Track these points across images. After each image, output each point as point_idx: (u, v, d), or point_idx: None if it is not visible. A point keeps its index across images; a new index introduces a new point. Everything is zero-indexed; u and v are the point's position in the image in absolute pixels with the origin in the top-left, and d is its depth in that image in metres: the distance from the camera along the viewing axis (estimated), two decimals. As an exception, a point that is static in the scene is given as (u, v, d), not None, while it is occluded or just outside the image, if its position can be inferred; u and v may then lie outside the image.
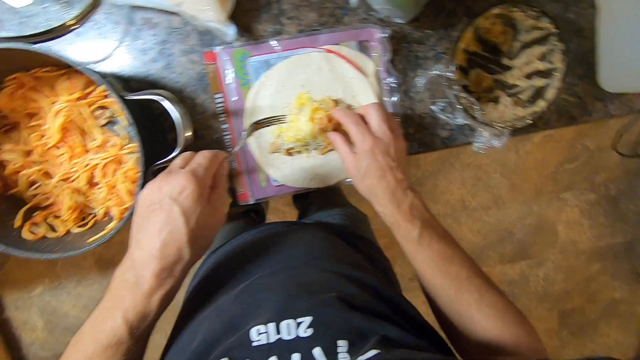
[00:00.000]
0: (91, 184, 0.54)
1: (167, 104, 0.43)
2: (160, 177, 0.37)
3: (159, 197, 0.36)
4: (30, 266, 1.55)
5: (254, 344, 0.32)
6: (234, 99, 0.55)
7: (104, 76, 0.45)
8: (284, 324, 0.33)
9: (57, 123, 0.49)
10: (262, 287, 0.41)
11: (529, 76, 0.54)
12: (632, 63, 0.53)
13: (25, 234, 0.49)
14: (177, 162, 0.40)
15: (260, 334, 0.33)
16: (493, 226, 1.67)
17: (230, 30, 0.50)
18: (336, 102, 0.55)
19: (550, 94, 0.51)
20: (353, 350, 0.31)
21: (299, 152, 0.56)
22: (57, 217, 0.53)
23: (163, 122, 0.55)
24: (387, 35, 0.52)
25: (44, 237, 0.49)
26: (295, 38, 0.54)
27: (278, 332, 0.33)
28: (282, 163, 0.57)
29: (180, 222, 0.35)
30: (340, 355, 0.30)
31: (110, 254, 1.56)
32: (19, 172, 0.50)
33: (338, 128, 0.53)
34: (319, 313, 0.34)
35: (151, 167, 0.45)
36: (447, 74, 0.48)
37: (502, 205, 1.67)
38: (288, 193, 0.59)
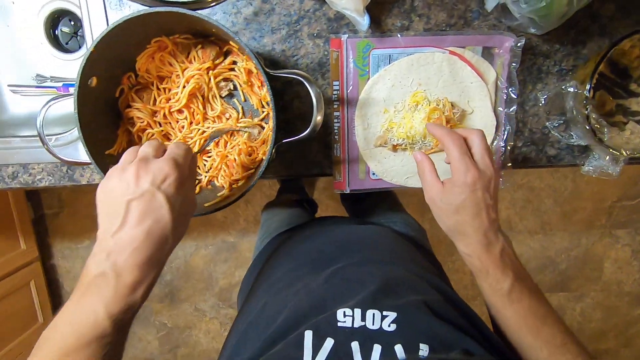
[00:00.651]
0: (202, 151, 0.56)
1: (307, 85, 0.44)
2: (134, 166, 0.35)
3: (137, 186, 0.34)
4: (82, 220, 1.62)
5: (339, 324, 0.33)
6: (349, 88, 0.55)
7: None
8: (369, 312, 0.34)
9: (187, 89, 0.51)
10: (352, 274, 0.42)
11: (657, 105, 0.52)
12: None
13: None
14: (147, 149, 0.37)
15: (346, 316, 0.34)
16: (537, 252, 1.63)
17: (365, 20, 0.50)
18: (452, 105, 0.54)
19: (684, 127, 0.49)
20: (433, 357, 0.31)
21: (405, 149, 0.56)
22: (168, 177, 0.55)
23: (276, 103, 0.56)
24: (521, 44, 0.51)
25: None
26: (421, 36, 0.54)
27: (363, 319, 0.33)
28: (384, 157, 0.58)
29: (165, 209, 0.34)
30: (420, 359, 0.30)
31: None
32: (145, 130, 0.53)
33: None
34: (405, 312, 0.35)
35: (279, 143, 0.46)
36: (584, 92, 0.47)
37: (550, 232, 1.62)
38: (384, 188, 0.59)
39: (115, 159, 0.50)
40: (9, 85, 0.74)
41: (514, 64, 0.53)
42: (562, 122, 0.55)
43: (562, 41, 0.54)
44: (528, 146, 0.58)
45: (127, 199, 0.33)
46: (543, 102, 0.54)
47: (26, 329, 1.46)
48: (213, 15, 0.54)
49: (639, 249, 1.62)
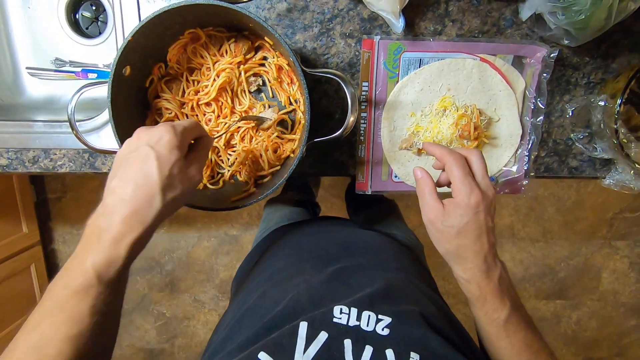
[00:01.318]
0: (227, 146, 0.55)
1: (342, 84, 0.44)
2: (137, 131, 0.37)
3: (137, 145, 0.36)
4: (84, 205, 1.61)
5: (335, 319, 0.34)
6: (378, 89, 0.55)
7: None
8: (365, 313, 0.34)
9: (218, 82, 0.51)
10: (353, 276, 0.42)
11: (682, 123, 0.53)
12: None
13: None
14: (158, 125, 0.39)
15: (342, 314, 0.34)
16: (537, 259, 1.64)
17: (400, 23, 0.50)
18: (480, 112, 0.55)
19: None
20: None
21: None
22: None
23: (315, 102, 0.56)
24: (555, 55, 0.51)
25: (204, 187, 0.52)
26: (453, 41, 0.54)
27: (358, 319, 0.34)
28: (407, 160, 0.58)
29: (154, 166, 0.34)
30: None
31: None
32: (172, 121, 0.53)
33: (479, 137, 0.54)
34: (400, 319, 0.35)
35: (310, 142, 0.46)
36: (615, 106, 0.47)
37: (551, 241, 1.63)
38: (405, 191, 0.59)
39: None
40: (27, 68, 0.73)
41: (545, 75, 0.53)
42: (586, 134, 0.55)
43: (592, 54, 0.54)
44: (551, 156, 0.58)
45: (124, 155, 0.36)
46: (570, 114, 0.54)
47: (25, 313, 1.45)
48: (246, 8, 0.53)
49: (636, 261, 1.64)
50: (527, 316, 0.40)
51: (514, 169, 0.57)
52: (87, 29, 0.75)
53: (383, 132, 0.57)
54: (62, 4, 0.72)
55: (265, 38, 0.50)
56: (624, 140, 0.49)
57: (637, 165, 0.50)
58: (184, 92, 0.53)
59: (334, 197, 1.60)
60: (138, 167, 0.35)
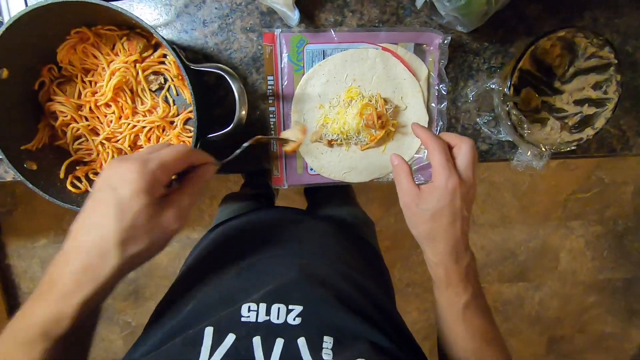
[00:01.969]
0: (134, 146, 0.54)
1: (228, 79, 0.43)
2: (114, 159, 0.33)
3: (101, 183, 0.31)
4: (37, 217, 1.56)
5: (243, 319, 0.33)
6: (284, 83, 0.55)
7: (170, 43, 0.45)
8: (275, 307, 0.34)
9: (112, 82, 0.50)
10: (266, 267, 0.42)
11: (578, 102, 0.55)
12: (684, 104, 0.53)
13: (69, 186, 0.49)
14: (144, 150, 0.35)
15: (251, 311, 0.33)
16: (497, 244, 1.68)
17: (295, 15, 0.50)
18: (385, 100, 0.55)
19: (600, 123, 0.51)
20: (338, 350, 0.31)
21: (340, 144, 0.57)
22: (96, 173, 0.54)
23: (210, 97, 0.55)
24: (447, 41, 0.52)
25: (86, 191, 0.50)
26: (355, 32, 0.54)
27: (268, 314, 0.33)
28: (321, 153, 0.58)
29: (111, 216, 0.29)
30: (324, 351, 0.31)
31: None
32: (69, 124, 0.51)
33: (385, 126, 0.54)
34: (312, 305, 0.35)
35: (203, 139, 0.46)
36: (504, 89, 0.48)
37: (509, 225, 1.67)
38: (322, 183, 0.60)
39: (33, 155, 0.48)
40: None
41: (442, 61, 0.54)
42: (491, 118, 0.57)
43: (490, 39, 0.56)
44: (461, 142, 0.59)
45: (93, 190, 0.31)
46: (471, 98, 0.55)
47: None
48: (141, 5, 0.52)
49: (592, 240, 1.70)
50: (486, 306, 0.41)
51: (425, 155, 0.58)
52: None
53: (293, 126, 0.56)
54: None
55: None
56: (517, 121, 0.50)
57: (532, 145, 0.51)
58: (80, 93, 0.51)
59: (295, 194, 1.60)
60: (96, 213, 0.30)
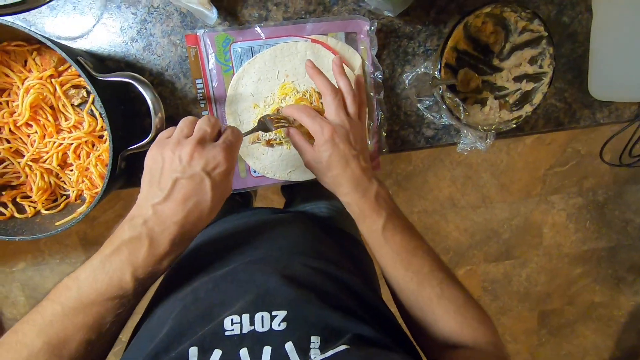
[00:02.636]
0: (64, 165, 0.52)
1: (138, 87, 0.41)
2: (190, 145, 0.36)
3: (190, 166, 0.35)
4: (13, 242, 1.53)
5: (227, 333, 0.32)
6: (214, 85, 0.53)
7: (77, 54, 0.43)
8: (258, 315, 0.33)
9: (27, 101, 0.47)
10: (242, 275, 0.40)
11: (517, 79, 0.53)
12: (622, 72, 0.52)
13: (-8, 214, 0.47)
14: (206, 128, 0.38)
15: (234, 324, 0.33)
16: (480, 225, 1.68)
17: (212, 14, 0.48)
18: (319, 93, 0.53)
19: (537, 98, 0.50)
20: (325, 347, 0.31)
21: (280, 143, 0.55)
22: (26, 197, 0.51)
23: (140, 106, 0.53)
24: (374, 28, 0.51)
25: (12, 217, 0.48)
26: (281, 25, 0.52)
27: (252, 324, 0.33)
28: (262, 154, 0.56)
29: (209, 196, 0.36)
30: (312, 352, 0.30)
31: (95, 234, 1.54)
32: (-13, 149, 0.49)
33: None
34: (295, 308, 0.34)
35: (123, 152, 0.44)
36: (434, 72, 0.47)
37: (490, 205, 1.67)
38: (268, 185, 0.58)
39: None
40: None
41: (373, 49, 0.52)
42: (432, 103, 0.55)
43: (423, 22, 0.54)
44: (405, 129, 0.58)
45: (176, 176, 0.35)
46: (407, 84, 0.53)
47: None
48: (52, 17, 0.50)
49: (573, 212, 1.71)
50: (404, 224, 0.44)
51: (369, 146, 0.56)
52: None
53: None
54: None
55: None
56: (453, 105, 0.49)
57: (472, 129, 0.50)
58: (-3, 115, 0.49)
59: (273, 193, 1.58)
60: (191, 193, 0.35)
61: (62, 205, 0.52)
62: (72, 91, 0.50)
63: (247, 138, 0.55)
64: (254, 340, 0.31)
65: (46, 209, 0.51)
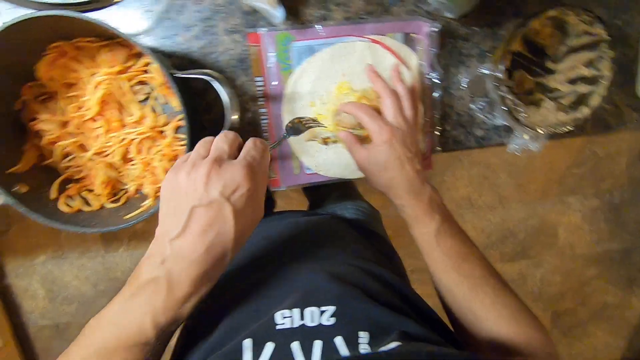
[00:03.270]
0: (125, 159, 0.53)
1: (216, 85, 0.42)
2: (206, 166, 0.32)
3: (206, 192, 0.31)
4: (34, 235, 1.54)
5: (278, 327, 0.33)
6: (274, 83, 0.54)
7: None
8: (307, 310, 0.34)
9: (96, 95, 0.48)
10: (290, 274, 0.42)
11: (571, 81, 0.54)
12: (676, 76, 0.53)
13: (62, 206, 0.48)
14: (223, 146, 0.34)
15: (285, 318, 0.33)
16: (497, 225, 1.69)
17: (279, 13, 0.48)
18: (377, 93, 0.54)
19: (595, 101, 0.51)
20: (374, 343, 0.31)
21: (335, 141, 0.56)
22: (90, 190, 0.52)
23: (199, 103, 0.54)
24: (437, 29, 0.51)
25: (79, 211, 0.49)
26: (341, 25, 0.53)
27: (302, 318, 0.33)
28: (316, 151, 0.57)
29: (231, 224, 0.31)
30: (361, 346, 0.31)
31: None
32: (55, 142, 0.50)
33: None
34: (343, 304, 0.35)
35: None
36: (496, 73, 0.48)
37: (507, 205, 1.68)
38: (320, 182, 0.59)
39: (22, 177, 0.47)
40: None
41: (433, 49, 0.53)
42: (485, 103, 0.56)
43: (479, 24, 0.55)
44: (457, 129, 0.59)
45: (193, 204, 0.31)
46: (462, 85, 0.54)
47: (-16, 354, 1.39)
48: (119, 14, 0.50)
49: (588, 214, 1.72)
50: (457, 229, 0.45)
51: (422, 146, 0.57)
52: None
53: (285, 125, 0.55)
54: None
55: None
56: (512, 105, 0.50)
57: (528, 128, 0.51)
58: (64, 109, 0.50)
59: (294, 192, 1.59)
60: (211, 223, 0.31)
61: (123, 200, 0.53)
62: (138, 87, 0.51)
63: (303, 136, 0.56)
64: (305, 335, 0.32)
65: (110, 202, 0.52)
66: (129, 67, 0.50)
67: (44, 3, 0.45)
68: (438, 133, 0.57)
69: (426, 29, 0.53)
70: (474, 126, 0.59)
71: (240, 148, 0.35)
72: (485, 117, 0.56)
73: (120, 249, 1.58)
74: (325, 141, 0.56)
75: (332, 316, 0.33)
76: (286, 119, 0.55)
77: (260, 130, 0.55)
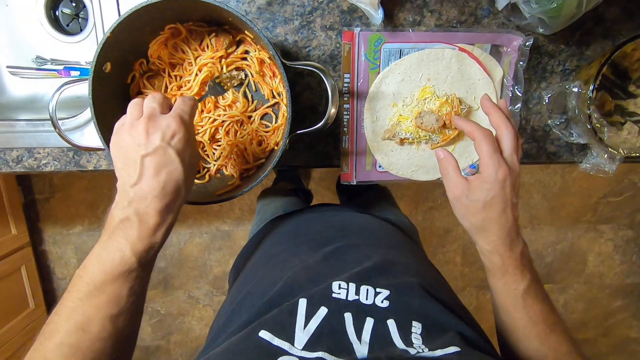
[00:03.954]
0: (212, 140, 0.56)
1: (323, 77, 0.44)
2: (143, 123, 0.37)
3: (149, 142, 0.36)
4: (74, 205, 1.60)
5: (334, 295, 0.35)
6: (360, 81, 0.56)
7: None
8: (363, 288, 0.35)
9: (199, 77, 0.51)
10: (349, 254, 0.43)
11: (653, 107, 0.55)
12: None
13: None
14: (153, 104, 0.39)
15: (341, 289, 0.35)
16: (525, 245, 1.68)
17: (379, 14, 0.51)
18: (460, 100, 0.56)
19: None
20: (427, 336, 0.32)
21: (411, 143, 0.58)
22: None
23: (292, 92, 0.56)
24: (529, 43, 0.53)
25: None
26: (432, 31, 0.55)
27: (357, 294, 0.35)
28: (391, 150, 0.59)
29: (177, 162, 0.37)
30: (413, 335, 0.32)
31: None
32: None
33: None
34: (399, 291, 0.36)
35: (292, 134, 0.47)
36: (587, 92, 0.49)
37: (538, 227, 1.67)
38: (390, 180, 0.61)
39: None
40: (7, 67, 0.72)
41: (521, 63, 0.54)
42: (563, 120, 0.57)
43: (567, 42, 0.56)
44: (529, 143, 0.60)
45: (141, 154, 0.36)
46: (547, 100, 0.55)
47: (17, 315, 1.44)
48: (226, 2, 0.53)
49: (620, 244, 1.69)
50: (544, 292, 0.42)
51: (494, 156, 0.58)
52: (67, 26, 0.74)
53: (366, 123, 0.57)
54: (40, 1, 0.71)
55: (246, 32, 0.50)
56: (597, 125, 0.51)
57: (610, 150, 0.52)
58: (166, 87, 0.53)
59: (325, 189, 1.61)
60: (160, 165, 0.36)
61: (207, 178, 0.56)
62: (234, 72, 0.54)
63: (381, 134, 0.57)
64: (358, 309, 0.33)
65: (196, 178, 0.55)
66: (230, 53, 0.53)
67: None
68: (513, 145, 0.58)
69: (517, 42, 0.54)
70: (547, 142, 0.59)
71: (170, 108, 0.40)
72: (561, 133, 0.57)
73: (152, 228, 1.63)
74: (402, 142, 0.57)
75: (386, 299, 0.35)
76: (367, 117, 0.57)
77: (340, 124, 0.57)
